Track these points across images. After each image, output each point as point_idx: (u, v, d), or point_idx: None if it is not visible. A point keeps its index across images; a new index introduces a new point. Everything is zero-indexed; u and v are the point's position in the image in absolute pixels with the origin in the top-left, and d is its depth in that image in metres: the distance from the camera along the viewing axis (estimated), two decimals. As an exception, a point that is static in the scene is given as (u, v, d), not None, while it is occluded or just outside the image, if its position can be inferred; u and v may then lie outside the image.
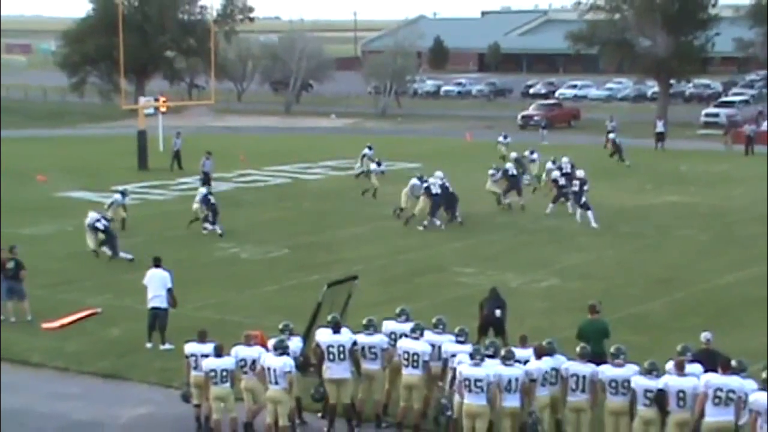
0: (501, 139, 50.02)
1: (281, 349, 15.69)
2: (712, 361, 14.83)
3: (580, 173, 34.03)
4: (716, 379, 14.20)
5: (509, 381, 15.00)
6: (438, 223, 32.72)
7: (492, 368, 15.04)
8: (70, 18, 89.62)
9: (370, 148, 44.06)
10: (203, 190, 33.17)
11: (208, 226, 31.58)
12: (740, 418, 14.14)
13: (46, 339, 21.34)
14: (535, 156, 41.99)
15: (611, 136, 50.76)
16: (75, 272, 27.00)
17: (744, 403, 14.14)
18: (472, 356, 15.16)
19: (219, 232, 31.30)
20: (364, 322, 16.64)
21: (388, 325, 17.04)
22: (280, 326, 16.61)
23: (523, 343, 16.01)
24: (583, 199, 33.07)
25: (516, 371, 15.08)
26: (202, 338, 16.58)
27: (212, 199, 32.11)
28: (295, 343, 16.33)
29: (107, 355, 20.20)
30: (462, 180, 42.91)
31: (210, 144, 47.44)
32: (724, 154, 52.13)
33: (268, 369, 15.57)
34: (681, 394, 14.36)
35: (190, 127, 63.02)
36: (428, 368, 16.04)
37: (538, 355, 15.39)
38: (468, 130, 63.38)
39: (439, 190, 33.13)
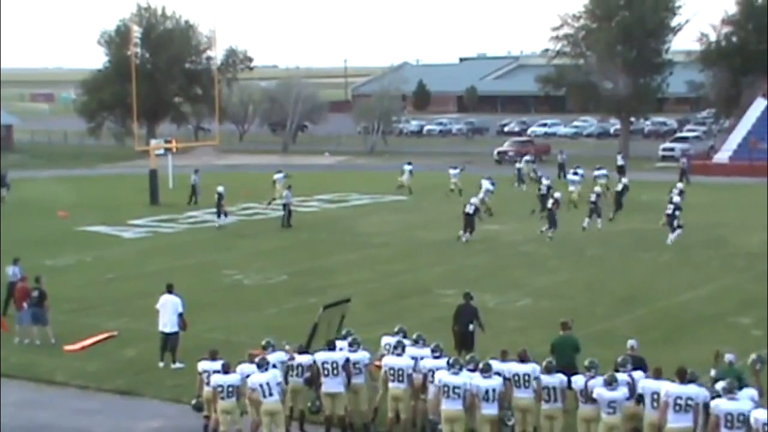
0: (452, 171, 50.28)
1: (265, 366, 15.73)
2: (637, 364, 15.49)
3: (677, 199, 35.13)
4: (675, 388, 14.25)
5: (486, 391, 15.06)
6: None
7: (469, 378, 15.12)
8: (88, 69, 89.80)
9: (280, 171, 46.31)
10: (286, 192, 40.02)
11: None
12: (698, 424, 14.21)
13: (69, 360, 21.30)
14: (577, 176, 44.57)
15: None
16: (94, 299, 26.93)
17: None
18: (451, 366, 15.24)
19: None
20: (349, 339, 16.72)
21: (385, 339, 17.20)
22: (263, 343, 16.68)
23: (504, 357, 15.95)
24: (677, 221, 33.92)
25: (493, 382, 15.12)
26: (213, 356, 16.64)
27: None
28: (276, 356, 16.39)
29: (124, 374, 20.18)
30: (444, 210, 43.11)
31: (215, 181, 47.35)
32: (689, 184, 52.05)
33: (260, 385, 15.55)
34: (655, 396, 14.47)
35: (197, 166, 63.01)
36: (412, 381, 16.13)
37: (521, 360, 15.47)
38: (449, 165, 63.46)
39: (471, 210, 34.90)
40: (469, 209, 35.05)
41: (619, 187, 40.42)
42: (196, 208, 44.44)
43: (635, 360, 15.72)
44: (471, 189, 42.45)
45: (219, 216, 39.24)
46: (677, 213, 34.17)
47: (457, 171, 49.71)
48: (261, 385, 15.52)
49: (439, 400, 15.16)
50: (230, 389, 15.87)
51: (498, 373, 15.31)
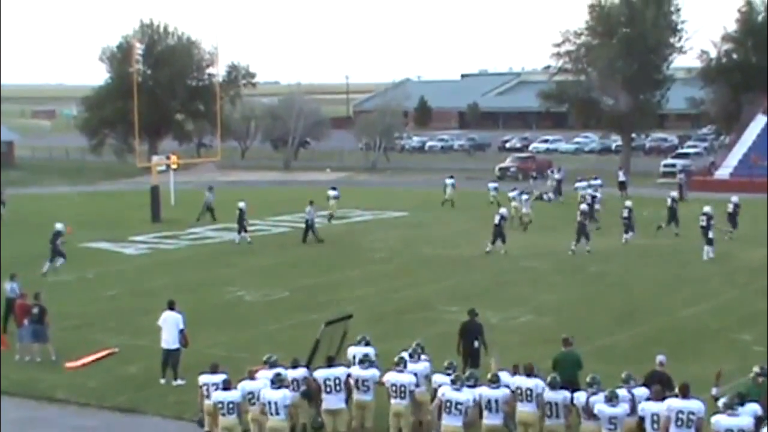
0: (491, 185, 52.05)
1: (279, 383, 15.71)
2: (658, 380, 15.33)
3: (707, 209, 35.24)
4: (677, 402, 14.23)
5: (489, 401, 15.21)
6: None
7: (471, 394, 15.18)
8: (89, 86, 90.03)
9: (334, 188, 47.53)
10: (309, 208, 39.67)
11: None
12: None
13: (69, 377, 21.27)
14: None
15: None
16: (95, 315, 26.90)
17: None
18: (453, 382, 15.30)
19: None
20: (360, 357, 16.74)
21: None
22: (264, 358, 16.66)
23: (515, 371, 16.07)
24: (710, 234, 34.34)
25: (498, 393, 15.28)
26: (213, 370, 16.68)
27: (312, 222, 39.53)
28: (296, 373, 16.45)
29: (125, 391, 20.14)
30: (446, 225, 43.18)
31: (217, 198, 47.42)
32: (685, 199, 52.05)
33: (268, 402, 15.56)
34: (655, 417, 14.44)
35: (198, 182, 63.00)
36: (414, 397, 16.16)
37: (527, 374, 15.61)
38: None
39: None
40: (497, 220, 35.74)
41: (669, 201, 40.58)
42: (197, 225, 44.45)
43: (661, 376, 15.64)
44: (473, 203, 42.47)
45: (240, 232, 39.55)
46: (711, 223, 34.42)
47: (496, 185, 51.78)
48: (270, 402, 15.51)
49: (440, 413, 15.20)
50: (231, 406, 15.84)
51: (505, 386, 15.48)
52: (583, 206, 37.59)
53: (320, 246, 38.66)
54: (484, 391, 15.30)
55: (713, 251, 33.97)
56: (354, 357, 17.30)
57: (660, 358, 16.53)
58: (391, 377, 16.26)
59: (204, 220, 45.22)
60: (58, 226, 33.60)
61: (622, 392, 14.91)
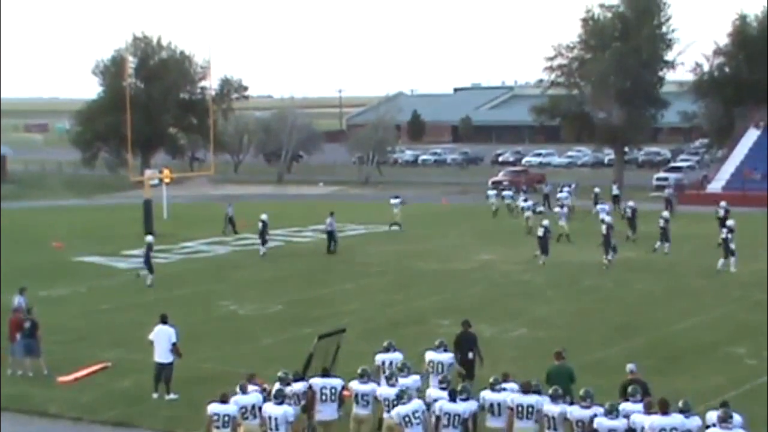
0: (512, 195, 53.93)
1: (281, 398, 15.70)
2: (642, 387, 15.49)
3: (730, 222, 35.65)
4: (659, 420, 14.16)
5: (492, 404, 15.55)
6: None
7: (420, 403, 15.34)
8: (82, 99, 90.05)
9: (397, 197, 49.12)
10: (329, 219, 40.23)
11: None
12: None
13: (62, 391, 21.20)
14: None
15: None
16: (88, 329, 26.86)
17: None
18: (399, 397, 15.38)
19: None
20: (359, 371, 16.73)
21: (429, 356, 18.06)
22: (279, 374, 16.62)
23: (506, 378, 16.26)
24: (732, 245, 34.43)
25: (500, 396, 15.58)
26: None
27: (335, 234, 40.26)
28: (297, 386, 16.47)
29: (118, 405, 20.09)
30: (439, 239, 43.20)
31: (209, 212, 47.44)
32: (673, 213, 52.25)
33: (269, 417, 15.54)
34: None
35: (191, 196, 63.08)
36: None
37: (524, 390, 15.67)
38: (444, 195, 63.67)
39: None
40: (540, 232, 36.34)
41: (721, 212, 41.14)
42: (191, 239, 44.46)
43: (642, 384, 15.75)
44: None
45: (263, 244, 39.78)
46: (730, 236, 34.56)
47: (524, 198, 52.73)
48: (270, 417, 15.50)
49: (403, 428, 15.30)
50: (226, 419, 15.80)
51: (505, 389, 15.77)
52: (608, 218, 37.67)
53: (314, 259, 38.67)
54: (487, 395, 15.61)
55: (735, 264, 34.12)
56: (383, 363, 17.63)
57: (630, 366, 16.70)
58: (384, 392, 16.26)
59: (219, 231, 45.53)
60: (149, 238, 33.77)
61: (627, 406, 14.87)
